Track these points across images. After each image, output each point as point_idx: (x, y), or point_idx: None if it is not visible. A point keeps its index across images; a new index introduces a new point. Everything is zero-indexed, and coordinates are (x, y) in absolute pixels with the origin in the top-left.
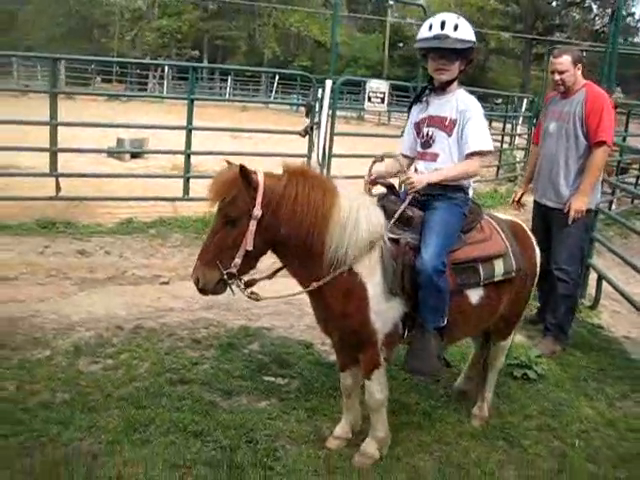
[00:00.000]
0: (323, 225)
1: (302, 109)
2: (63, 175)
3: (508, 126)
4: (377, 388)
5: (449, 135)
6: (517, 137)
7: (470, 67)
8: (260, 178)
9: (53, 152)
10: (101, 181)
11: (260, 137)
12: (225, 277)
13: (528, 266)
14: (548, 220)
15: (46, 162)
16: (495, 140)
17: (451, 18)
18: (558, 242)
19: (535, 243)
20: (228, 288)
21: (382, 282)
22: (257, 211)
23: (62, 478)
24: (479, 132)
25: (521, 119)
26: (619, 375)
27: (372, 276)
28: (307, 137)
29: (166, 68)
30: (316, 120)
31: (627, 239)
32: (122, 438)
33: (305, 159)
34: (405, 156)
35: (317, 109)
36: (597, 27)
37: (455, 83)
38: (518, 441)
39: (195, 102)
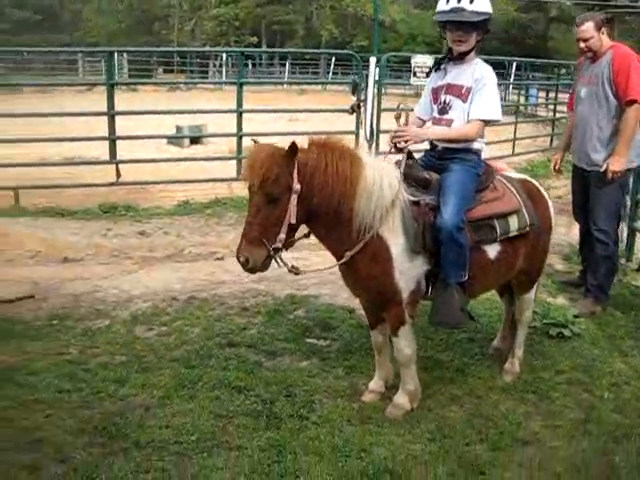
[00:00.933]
0: (351, 193)
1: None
2: (122, 162)
3: (563, 96)
4: (404, 344)
5: (464, 102)
6: None
7: (487, 36)
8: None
9: (112, 140)
10: (159, 167)
11: (316, 118)
12: (272, 253)
13: (542, 221)
14: (585, 183)
15: (108, 151)
16: (549, 110)
17: None
18: (595, 203)
19: (548, 199)
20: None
21: (405, 242)
22: (297, 185)
23: (118, 427)
24: (486, 101)
25: None
26: None
27: (395, 237)
28: (355, 114)
29: (224, 55)
30: (363, 97)
31: None
32: (172, 394)
33: (353, 136)
34: (420, 119)
35: (363, 87)
36: None
37: (473, 53)
38: (547, 394)
39: (254, 87)
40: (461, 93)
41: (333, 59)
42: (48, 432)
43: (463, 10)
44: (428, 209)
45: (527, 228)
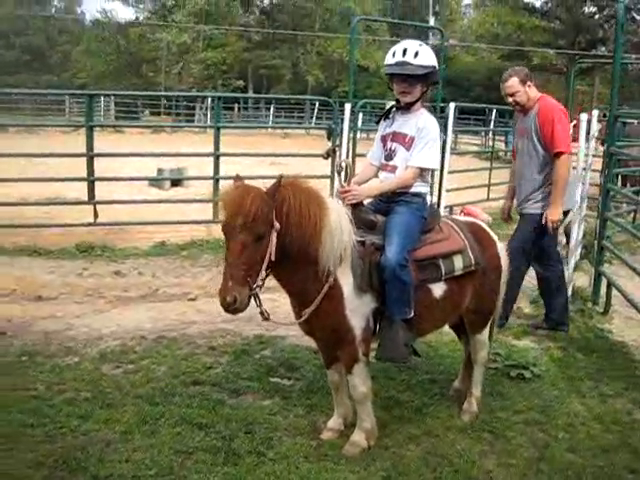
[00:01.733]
0: (319, 234)
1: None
2: (100, 202)
3: None
4: (359, 381)
5: (407, 150)
6: None
7: (432, 88)
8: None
9: (90, 181)
10: (138, 208)
11: (297, 162)
12: (254, 291)
13: (489, 261)
14: None
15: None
16: None
17: (412, 46)
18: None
19: (496, 239)
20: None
21: (353, 281)
22: (277, 224)
23: (78, 461)
24: (425, 150)
25: None
26: (617, 375)
27: (345, 277)
28: (330, 159)
29: (208, 99)
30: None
31: None
32: (134, 429)
33: (329, 180)
34: (371, 165)
35: (339, 132)
36: None
37: (419, 103)
38: (503, 434)
39: (239, 131)
40: (404, 141)
41: (317, 104)
42: (8, 465)
43: (408, 64)
44: (374, 249)
45: (472, 267)
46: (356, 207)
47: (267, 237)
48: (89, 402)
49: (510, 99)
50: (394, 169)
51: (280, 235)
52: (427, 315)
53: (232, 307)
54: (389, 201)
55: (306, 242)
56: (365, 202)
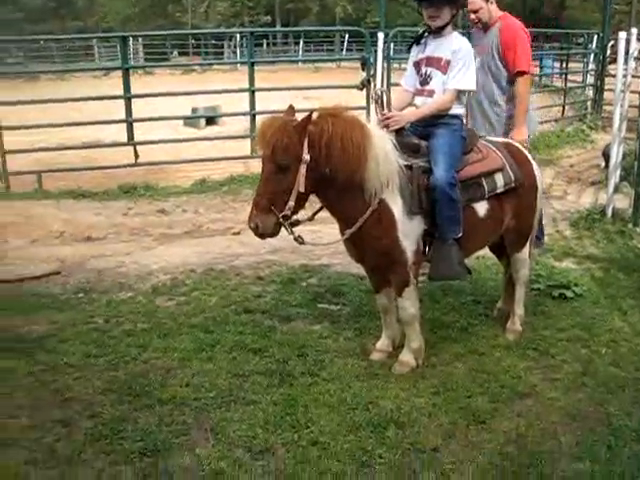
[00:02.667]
0: (362, 161)
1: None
2: (140, 143)
3: (578, 65)
4: (409, 303)
5: (444, 73)
6: (588, 75)
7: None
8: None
9: (129, 123)
10: (176, 148)
11: (329, 95)
12: (281, 220)
13: (526, 178)
14: None
15: (125, 134)
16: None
17: None
18: None
19: (531, 159)
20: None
21: (403, 204)
22: (306, 155)
23: (142, 386)
24: (461, 72)
25: (592, 56)
26: None
27: (395, 201)
28: (365, 90)
29: (238, 36)
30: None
31: None
32: (191, 356)
33: (364, 111)
34: (406, 91)
35: (372, 62)
36: None
37: (449, 27)
38: (547, 351)
39: (269, 67)
40: (440, 65)
41: (347, 36)
42: (78, 392)
43: None
44: (421, 172)
45: (512, 184)
46: (399, 132)
47: (293, 169)
48: (147, 332)
49: (472, 16)
50: (431, 93)
51: (314, 166)
52: (473, 234)
53: (257, 233)
54: (428, 125)
55: (350, 169)
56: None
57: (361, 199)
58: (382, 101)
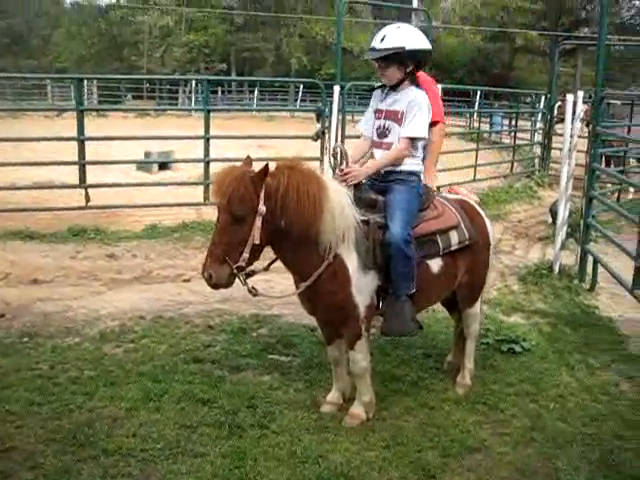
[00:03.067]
0: (318, 214)
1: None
2: (92, 186)
3: (526, 123)
4: (361, 356)
5: (400, 126)
6: (536, 133)
7: (420, 68)
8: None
9: (81, 165)
10: (128, 192)
11: (283, 145)
12: (235, 271)
13: (479, 235)
14: None
15: (77, 176)
16: (512, 137)
17: (383, 31)
18: None
19: (484, 216)
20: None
21: (358, 259)
22: (262, 207)
23: (86, 436)
24: (413, 120)
25: (540, 115)
26: (604, 348)
27: (350, 256)
28: (319, 141)
29: (193, 82)
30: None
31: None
32: (139, 406)
33: (318, 162)
34: (365, 139)
35: (327, 114)
36: (624, 19)
37: (406, 82)
38: (496, 405)
39: (223, 114)
40: (397, 118)
41: (301, 87)
42: (19, 441)
43: (374, 49)
44: (377, 227)
45: (466, 242)
46: (357, 187)
47: (248, 220)
48: (93, 380)
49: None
50: (389, 146)
51: (270, 218)
52: (426, 290)
53: (210, 283)
54: (386, 180)
55: (306, 222)
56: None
57: (316, 253)
58: (339, 156)
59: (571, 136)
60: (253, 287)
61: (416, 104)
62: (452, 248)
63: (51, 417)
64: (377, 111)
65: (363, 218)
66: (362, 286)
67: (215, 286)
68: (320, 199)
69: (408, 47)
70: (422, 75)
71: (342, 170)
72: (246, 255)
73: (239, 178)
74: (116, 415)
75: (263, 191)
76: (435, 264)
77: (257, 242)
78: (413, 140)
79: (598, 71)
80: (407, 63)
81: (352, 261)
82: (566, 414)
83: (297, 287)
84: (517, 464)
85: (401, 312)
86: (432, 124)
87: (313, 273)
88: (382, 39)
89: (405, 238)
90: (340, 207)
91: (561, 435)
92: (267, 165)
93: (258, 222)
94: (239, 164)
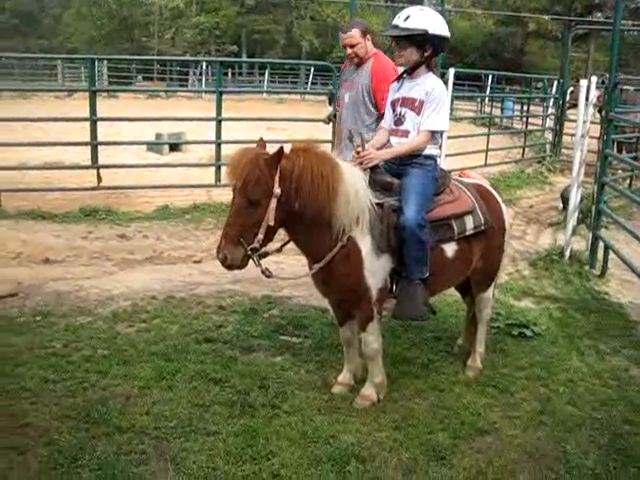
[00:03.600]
0: (332, 197)
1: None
2: (103, 167)
3: (538, 108)
4: (372, 338)
5: (417, 114)
6: (547, 119)
7: (437, 54)
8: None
9: (94, 146)
10: (139, 173)
11: (294, 127)
12: (249, 252)
13: (495, 221)
14: None
15: (88, 156)
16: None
17: (407, 10)
18: None
19: (500, 201)
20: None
21: (372, 242)
22: (277, 190)
23: (100, 413)
24: (434, 113)
25: (552, 101)
26: (614, 334)
27: (363, 238)
28: (331, 124)
29: (204, 64)
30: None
31: None
32: (152, 384)
33: (330, 145)
34: (384, 129)
35: None
36: (639, 4)
37: (424, 68)
38: (507, 388)
39: (234, 96)
40: (414, 106)
41: (312, 69)
42: (35, 418)
43: (396, 27)
44: (391, 210)
45: (482, 227)
46: (372, 170)
47: (263, 202)
48: (106, 359)
49: (349, 50)
50: (405, 133)
51: (284, 200)
52: (440, 274)
53: (225, 264)
54: (402, 164)
55: (320, 205)
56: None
57: (330, 235)
58: (356, 139)
59: (584, 121)
60: (267, 268)
61: (437, 95)
62: (467, 233)
63: (65, 394)
64: (393, 102)
65: (378, 201)
66: (375, 269)
67: (230, 267)
68: (334, 182)
69: (431, 31)
70: (382, 56)
71: (358, 153)
72: (261, 237)
73: (254, 160)
74: (129, 393)
75: (278, 173)
76: (450, 248)
77: (271, 224)
78: (433, 132)
79: (612, 56)
80: (426, 47)
81: (366, 244)
82: (576, 398)
83: (310, 268)
84: (527, 447)
85: (414, 296)
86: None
87: (326, 255)
88: (406, 18)
89: (419, 222)
90: (354, 190)
91: (571, 419)
92: (282, 148)
93: (273, 204)
94: (252, 146)
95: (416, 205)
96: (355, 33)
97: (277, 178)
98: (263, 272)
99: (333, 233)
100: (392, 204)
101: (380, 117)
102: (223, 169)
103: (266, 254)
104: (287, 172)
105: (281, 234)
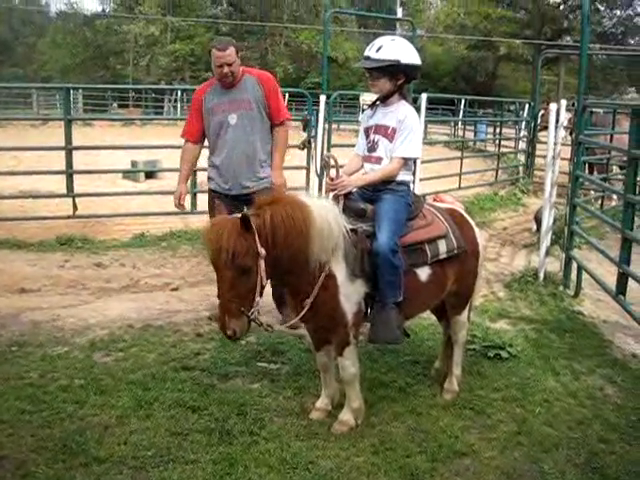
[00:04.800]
0: (306, 240)
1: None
2: (79, 195)
3: (510, 131)
4: (349, 363)
5: (390, 141)
6: (520, 141)
7: (409, 82)
8: (252, 222)
9: (69, 174)
10: (115, 201)
11: None
12: (252, 317)
13: (468, 244)
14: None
15: (64, 185)
16: (496, 145)
17: (379, 41)
18: None
19: (473, 225)
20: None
21: (346, 268)
22: (262, 250)
23: (78, 444)
24: (407, 141)
25: (524, 123)
26: (589, 353)
27: (339, 264)
28: (305, 150)
29: (179, 91)
30: (314, 134)
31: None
32: (129, 413)
33: (305, 171)
34: (357, 155)
35: (314, 123)
36: (606, 28)
37: (397, 96)
38: (483, 410)
39: None
40: (387, 133)
41: (287, 95)
42: (10, 450)
43: (369, 58)
44: (365, 236)
45: (455, 251)
46: (346, 196)
47: (254, 267)
48: (83, 389)
49: (227, 69)
50: (378, 160)
51: (269, 254)
52: (414, 298)
53: (234, 338)
54: (376, 190)
55: (297, 249)
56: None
57: (311, 271)
58: (330, 166)
59: (555, 144)
60: (268, 325)
61: (409, 124)
62: (440, 257)
63: (42, 425)
64: (367, 128)
65: (352, 227)
66: (350, 294)
67: (239, 339)
68: (306, 225)
69: (403, 61)
70: (256, 70)
71: (332, 180)
72: (259, 298)
73: (235, 232)
74: (107, 423)
75: (256, 235)
76: (423, 273)
77: (265, 284)
78: (406, 160)
79: (580, 80)
80: (399, 76)
81: (340, 270)
82: (552, 418)
83: (291, 304)
84: (504, 468)
85: (387, 320)
86: (283, 122)
87: (310, 289)
88: (378, 49)
89: (392, 247)
90: (327, 225)
91: (547, 439)
92: (244, 215)
93: (262, 265)
94: (224, 217)
95: (389, 231)
96: (232, 52)
97: (257, 240)
98: (266, 329)
99: (311, 270)
100: (365, 230)
101: (272, 127)
102: (199, 196)
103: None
104: (262, 230)
105: None
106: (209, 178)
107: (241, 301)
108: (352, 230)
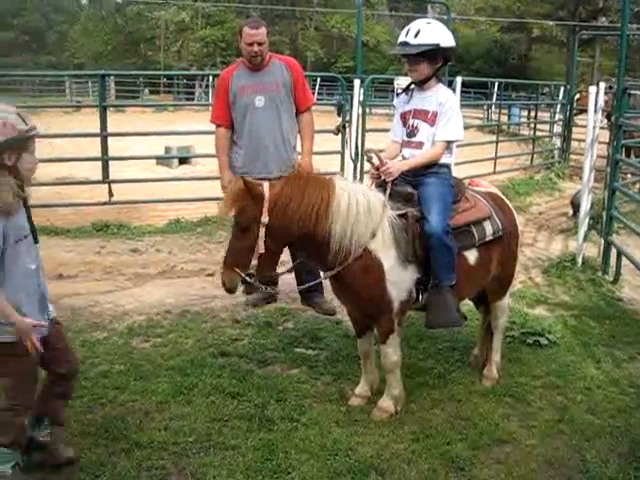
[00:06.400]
0: (325, 218)
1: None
2: (114, 182)
3: (544, 114)
4: (392, 350)
5: (431, 126)
6: (555, 125)
7: (445, 65)
8: (265, 189)
9: (105, 161)
10: (150, 187)
11: None
12: (246, 278)
13: (510, 226)
14: None
15: (98, 171)
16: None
17: (416, 25)
18: None
19: (512, 208)
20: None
21: (397, 254)
22: (264, 218)
23: (119, 429)
24: (449, 123)
25: (559, 106)
26: (630, 340)
27: (386, 250)
28: (340, 135)
29: (210, 77)
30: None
31: None
32: (169, 399)
33: (339, 156)
34: (395, 142)
35: (348, 108)
36: None
37: (434, 80)
38: (524, 397)
39: None
40: (427, 117)
41: (318, 80)
42: None
43: (407, 44)
44: (414, 220)
45: (500, 232)
46: (392, 182)
47: (252, 230)
48: (123, 374)
49: (257, 48)
50: (419, 145)
51: (275, 227)
52: (464, 282)
53: (224, 288)
54: (417, 174)
55: (312, 227)
56: None
57: (329, 254)
58: (374, 164)
59: (593, 127)
60: (269, 292)
61: (450, 106)
62: (487, 239)
63: (84, 411)
64: (404, 114)
65: (400, 212)
66: (400, 281)
67: (229, 291)
68: (323, 205)
69: (442, 44)
70: (290, 59)
71: (377, 169)
72: (254, 262)
73: (239, 192)
74: (147, 409)
75: (267, 203)
76: (472, 255)
77: (261, 251)
78: (449, 143)
79: (620, 61)
80: (438, 60)
81: (389, 256)
82: (594, 406)
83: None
84: (546, 456)
85: (446, 303)
86: (309, 108)
87: (336, 267)
88: (416, 34)
89: (445, 228)
90: (354, 211)
91: (589, 427)
92: (247, 182)
93: (262, 232)
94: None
95: (439, 212)
96: (263, 31)
97: (265, 208)
98: (265, 298)
99: (331, 252)
100: (414, 214)
101: (297, 113)
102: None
103: (276, 277)
104: (274, 201)
105: None
106: (232, 165)
107: (236, 258)
108: (401, 215)
